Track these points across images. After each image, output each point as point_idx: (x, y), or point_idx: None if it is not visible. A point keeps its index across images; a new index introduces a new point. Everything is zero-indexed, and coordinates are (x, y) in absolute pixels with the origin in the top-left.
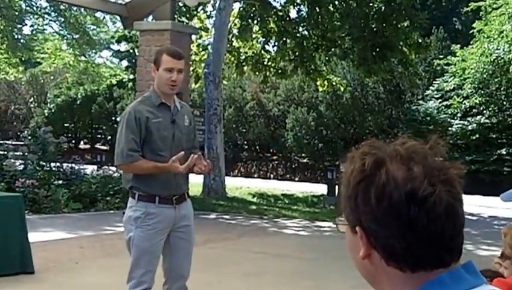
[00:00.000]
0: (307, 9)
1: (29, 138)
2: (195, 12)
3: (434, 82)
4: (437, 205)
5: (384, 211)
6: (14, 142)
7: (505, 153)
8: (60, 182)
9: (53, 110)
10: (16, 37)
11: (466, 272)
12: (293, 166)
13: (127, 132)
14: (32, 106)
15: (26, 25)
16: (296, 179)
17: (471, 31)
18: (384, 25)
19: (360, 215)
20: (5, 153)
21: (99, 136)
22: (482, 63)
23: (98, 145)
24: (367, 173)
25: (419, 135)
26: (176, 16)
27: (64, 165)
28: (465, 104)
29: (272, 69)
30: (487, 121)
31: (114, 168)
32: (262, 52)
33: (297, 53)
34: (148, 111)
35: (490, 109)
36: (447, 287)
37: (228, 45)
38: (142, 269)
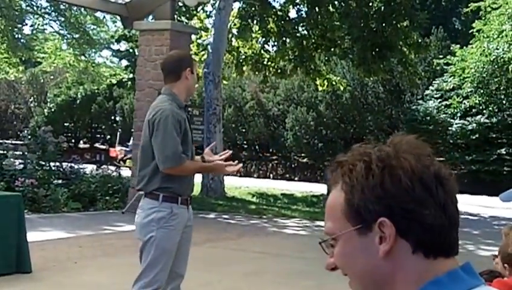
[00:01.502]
0: (306, 9)
1: (29, 137)
2: (195, 12)
3: (434, 82)
4: (453, 189)
5: (420, 191)
6: (13, 142)
7: (504, 152)
8: (60, 181)
9: (53, 110)
10: (16, 36)
11: (464, 273)
12: (293, 166)
13: (173, 134)
14: (32, 105)
15: (26, 24)
16: (296, 178)
17: (470, 31)
18: (383, 24)
19: (391, 200)
20: (5, 152)
21: (98, 135)
22: (481, 62)
23: (97, 145)
24: (390, 159)
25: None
26: (175, 16)
27: (64, 164)
28: (464, 103)
29: (271, 69)
30: (487, 120)
31: (113, 168)
32: (262, 52)
33: (296, 53)
34: (180, 114)
35: (490, 108)
36: (446, 287)
37: (228, 45)
38: (158, 268)
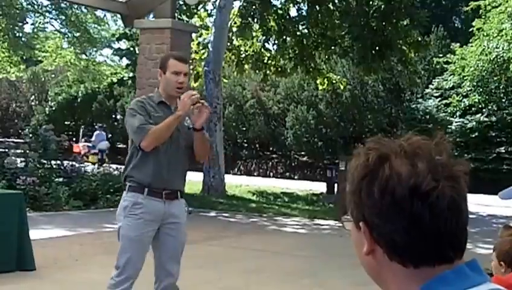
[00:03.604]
0: (306, 7)
1: (30, 135)
2: (195, 10)
3: (433, 80)
4: (440, 200)
5: (388, 206)
6: (15, 140)
7: (504, 151)
8: (61, 179)
9: (54, 108)
10: (17, 35)
11: (470, 270)
12: (293, 164)
13: (134, 114)
14: (33, 103)
15: (27, 23)
16: (296, 177)
17: (470, 30)
18: (384, 23)
19: (364, 210)
20: (6, 150)
21: None
22: (481, 61)
23: None
24: (371, 167)
25: (418, 133)
26: (176, 14)
27: (65, 162)
28: (464, 102)
29: (271, 68)
30: (486, 119)
31: (114, 166)
32: (262, 50)
33: (297, 51)
34: (150, 105)
35: (489, 107)
36: (451, 284)
37: (228, 43)
38: (126, 257)
